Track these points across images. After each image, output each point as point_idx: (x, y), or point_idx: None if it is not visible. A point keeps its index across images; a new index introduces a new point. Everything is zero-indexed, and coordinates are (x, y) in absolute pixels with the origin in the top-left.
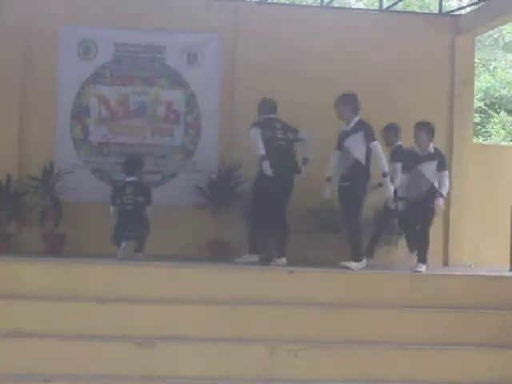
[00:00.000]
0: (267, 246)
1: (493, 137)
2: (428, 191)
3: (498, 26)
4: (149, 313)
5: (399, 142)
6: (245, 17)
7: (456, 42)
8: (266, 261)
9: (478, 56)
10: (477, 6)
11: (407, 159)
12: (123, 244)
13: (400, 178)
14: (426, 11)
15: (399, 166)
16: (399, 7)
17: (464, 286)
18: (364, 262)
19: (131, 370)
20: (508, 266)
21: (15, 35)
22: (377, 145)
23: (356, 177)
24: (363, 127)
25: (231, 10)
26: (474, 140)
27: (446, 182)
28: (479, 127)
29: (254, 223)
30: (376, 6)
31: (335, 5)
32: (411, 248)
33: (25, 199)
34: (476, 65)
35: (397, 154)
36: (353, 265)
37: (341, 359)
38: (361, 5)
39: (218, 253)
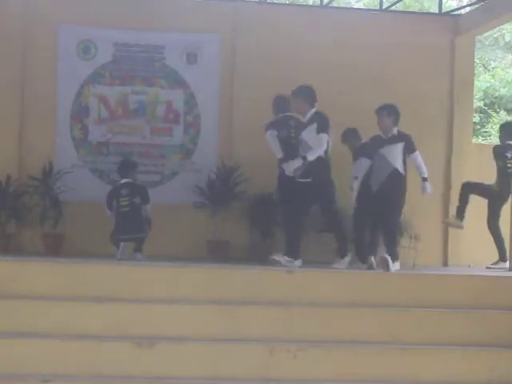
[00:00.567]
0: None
1: (492, 137)
2: (390, 175)
3: (498, 25)
4: (148, 313)
5: (362, 141)
6: (244, 17)
7: (456, 42)
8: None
9: (478, 56)
10: (476, 6)
11: (370, 145)
12: (122, 245)
13: (363, 165)
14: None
15: (363, 159)
16: (399, 9)
17: (464, 286)
18: (346, 259)
19: (131, 369)
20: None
21: (14, 35)
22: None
23: (318, 172)
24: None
25: (230, 10)
26: (474, 140)
27: (421, 163)
28: (479, 127)
29: (291, 227)
30: (376, 6)
31: (335, 5)
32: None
33: (24, 199)
34: (475, 64)
35: (361, 149)
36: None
37: (340, 359)
38: (360, 5)
39: (217, 252)
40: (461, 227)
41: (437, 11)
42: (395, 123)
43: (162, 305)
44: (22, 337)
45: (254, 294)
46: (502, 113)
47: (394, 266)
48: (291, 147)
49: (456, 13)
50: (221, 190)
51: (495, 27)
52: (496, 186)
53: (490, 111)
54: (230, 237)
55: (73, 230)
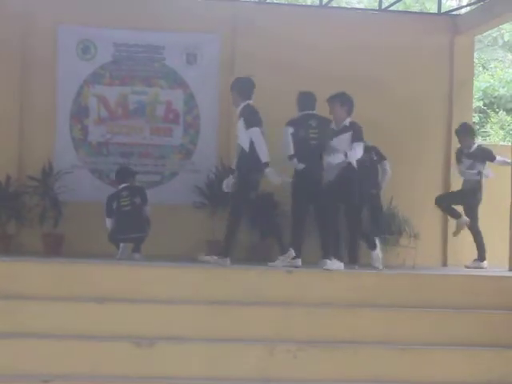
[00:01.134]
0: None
1: (491, 137)
2: (338, 166)
3: (497, 25)
4: (148, 313)
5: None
6: (244, 17)
7: (455, 42)
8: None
9: (477, 55)
10: (476, 6)
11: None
12: (122, 245)
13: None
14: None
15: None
16: (399, 9)
17: (463, 286)
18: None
19: (130, 369)
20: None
21: (14, 35)
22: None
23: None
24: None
25: (230, 10)
26: None
27: (358, 150)
28: (478, 127)
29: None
30: (375, 6)
31: (334, 5)
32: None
33: (24, 199)
34: (475, 64)
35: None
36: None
37: (340, 359)
38: (361, 5)
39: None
40: (467, 221)
41: (436, 11)
42: (349, 113)
43: (161, 305)
44: (21, 337)
45: (254, 294)
46: (502, 113)
47: (333, 265)
48: (307, 148)
49: (455, 13)
50: (220, 190)
51: (494, 27)
52: (468, 189)
53: (489, 111)
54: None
55: (72, 230)
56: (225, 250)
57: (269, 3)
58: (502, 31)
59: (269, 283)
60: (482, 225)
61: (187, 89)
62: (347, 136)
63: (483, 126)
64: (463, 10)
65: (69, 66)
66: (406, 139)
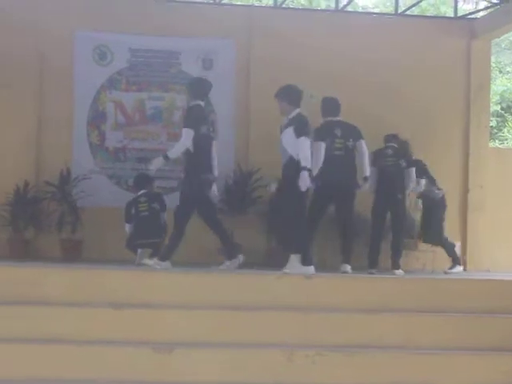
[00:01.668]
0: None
1: (509, 141)
2: (286, 163)
3: None
4: (166, 318)
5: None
6: (259, 21)
7: (472, 46)
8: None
9: (494, 59)
10: (492, 10)
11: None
12: (139, 251)
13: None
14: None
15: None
16: (415, 13)
17: (482, 291)
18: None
19: (149, 375)
20: None
21: (31, 41)
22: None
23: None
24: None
25: (245, 14)
26: (491, 144)
27: (304, 150)
28: (495, 131)
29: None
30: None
31: (350, 9)
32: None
33: (42, 205)
34: (492, 68)
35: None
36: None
37: (359, 364)
38: (377, 10)
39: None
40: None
41: (452, 15)
42: (292, 104)
43: (179, 310)
44: (39, 342)
45: (272, 300)
46: None
47: (294, 268)
48: (330, 159)
49: (472, 16)
50: (237, 195)
51: (511, 30)
52: (435, 195)
53: (506, 115)
54: (247, 242)
55: (90, 236)
56: (167, 252)
57: (284, 8)
58: None
59: (287, 288)
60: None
61: None
62: (290, 131)
63: (500, 130)
64: (480, 14)
65: (85, 72)
66: (423, 143)
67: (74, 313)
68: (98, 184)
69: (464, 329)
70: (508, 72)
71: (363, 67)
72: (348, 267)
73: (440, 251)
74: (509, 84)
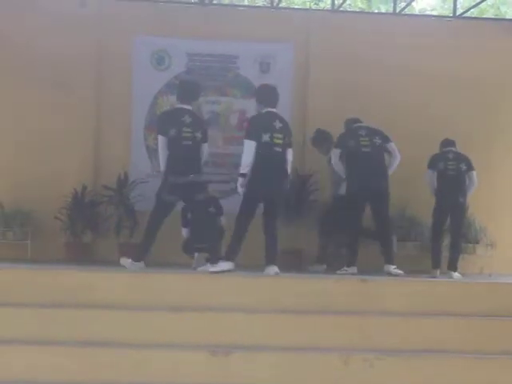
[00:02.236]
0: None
1: None
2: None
3: None
4: (223, 322)
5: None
6: (317, 25)
7: None
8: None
9: None
10: None
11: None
12: (196, 255)
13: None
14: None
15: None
16: (474, 15)
17: None
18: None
19: (206, 378)
20: None
21: (90, 46)
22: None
23: None
24: None
25: (304, 18)
26: None
27: (244, 149)
28: None
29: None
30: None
31: (408, 12)
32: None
33: (100, 209)
34: None
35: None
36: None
37: (417, 368)
38: (434, 12)
39: (291, 261)
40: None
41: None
42: (266, 105)
43: (237, 314)
44: (98, 346)
45: (329, 303)
46: None
47: (272, 270)
48: (358, 158)
49: None
50: (294, 198)
51: None
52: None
53: None
54: (304, 246)
55: None
56: (140, 253)
57: (342, 11)
58: None
59: (342, 292)
60: None
61: None
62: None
63: None
64: None
65: (144, 77)
66: (483, 146)
67: (132, 317)
68: (155, 188)
69: None
70: None
71: (423, 69)
72: (391, 267)
73: (497, 255)
74: None
